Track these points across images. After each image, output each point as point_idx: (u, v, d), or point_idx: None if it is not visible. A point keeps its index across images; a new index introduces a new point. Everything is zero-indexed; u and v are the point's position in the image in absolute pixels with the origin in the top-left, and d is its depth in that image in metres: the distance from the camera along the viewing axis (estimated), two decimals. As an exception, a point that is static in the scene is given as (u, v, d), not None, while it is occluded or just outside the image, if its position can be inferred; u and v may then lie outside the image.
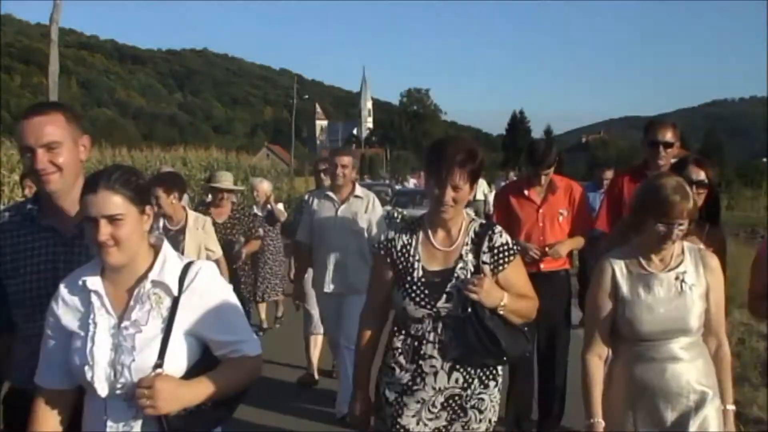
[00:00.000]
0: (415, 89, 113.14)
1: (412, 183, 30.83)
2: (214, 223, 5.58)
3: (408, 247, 2.51)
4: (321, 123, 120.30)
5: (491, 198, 16.25)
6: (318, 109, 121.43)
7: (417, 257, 2.49)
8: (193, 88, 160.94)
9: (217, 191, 6.01)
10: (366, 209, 4.98)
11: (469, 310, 2.40)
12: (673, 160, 3.73)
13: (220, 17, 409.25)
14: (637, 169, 4.12)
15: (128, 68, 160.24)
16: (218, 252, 5.05)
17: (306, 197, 5.87)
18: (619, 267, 2.55)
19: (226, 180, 6.15)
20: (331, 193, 5.05)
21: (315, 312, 5.56)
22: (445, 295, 2.43)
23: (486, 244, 2.49)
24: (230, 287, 2.04)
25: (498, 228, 2.55)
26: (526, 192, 4.51)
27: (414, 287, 2.46)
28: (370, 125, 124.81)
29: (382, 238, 2.58)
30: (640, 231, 2.52)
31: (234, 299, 2.01)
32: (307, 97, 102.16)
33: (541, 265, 4.35)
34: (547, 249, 4.36)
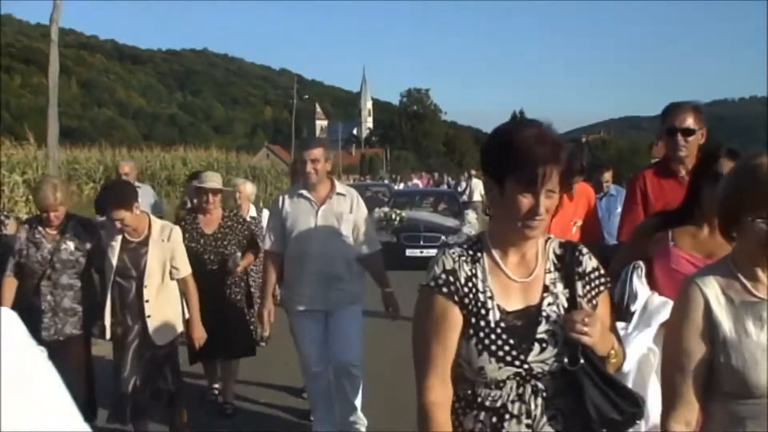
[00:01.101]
0: (415, 89, 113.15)
1: (414, 183, 30.55)
2: (203, 235, 5.10)
3: (474, 279, 1.77)
4: (321, 123, 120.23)
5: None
6: (318, 109, 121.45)
7: (488, 293, 1.76)
8: (193, 88, 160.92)
9: (203, 193, 5.15)
10: (351, 209, 4.30)
11: (582, 360, 1.70)
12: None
13: (220, 17, 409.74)
14: (660, 162, 3.61)
15: (128, 68, 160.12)
16: (184, 270, 4.29)
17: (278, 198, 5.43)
18: (714, 293, 1.77)
19: (212, 180, 5.21)
20: (306, 193, 4.28)
21: None
22: (537, 345, 1.72)
23: (576, 268, 1.81)
24: None
25: (584, 247, 1.88)
26: None
27: (493, 336, 1.72)
28: (370, 125, 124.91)
29: (436, 270, 1.76)
30: (738, 235, 1.78)
31: None
32: (307, 97, 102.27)
33: None
34: None
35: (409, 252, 12.63)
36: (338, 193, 4.30)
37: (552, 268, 1.81)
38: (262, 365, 5.96)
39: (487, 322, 1.74)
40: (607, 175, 6.82)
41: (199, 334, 4.39)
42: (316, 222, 4.24)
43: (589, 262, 1.84)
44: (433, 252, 12.74)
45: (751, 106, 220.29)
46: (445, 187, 25.80)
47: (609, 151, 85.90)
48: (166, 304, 4.22)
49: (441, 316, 1.75)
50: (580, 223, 3.87)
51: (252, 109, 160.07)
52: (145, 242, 4.19)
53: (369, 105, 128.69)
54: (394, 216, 13.46)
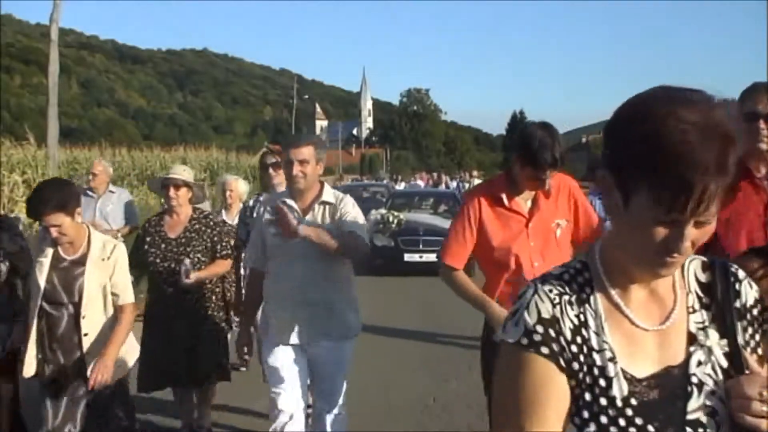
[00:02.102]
0: (415, 89, 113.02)
1: (416, 183, 29.47)
2: (165, 240, 4.23)
3: (583, 330, 1.17)
4: (321, 123, 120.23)
5: None
6: (318, 109, 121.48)
7: (608, 353, 1.15)
8: (193, 88, 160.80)
9: (167, 187, 4.25)
10: (336, 218, 3.49)
11: None
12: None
13: (220, 17, 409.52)
14: None
15: (128, 68, 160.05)
16: (124, 297, 3.47)
17: (251, 203, 4.64)
18: None
19: (176, 172, 4.31)
20: (290, 201, 3.49)
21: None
22: (690, 430, 1.13)
23: (734, 301, 1.20)
24: None
25: (738, 269, 1.25)
26: (505, 200, 3.11)
27: (621, 421, 1.12)
28: (370, 125, 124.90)
29: (528, 319, 1.15)
30: None
31: None
32: (307, 97, 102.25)
33: None
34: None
35: (407, 257, 12.00)
36: (323, 202, 3.48)
37: (697, 305, 1.21)
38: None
39: (611, 399, 1.13)
40: None
41: (102, 377, 3.29)
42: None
43: (750, 292, 1.22)
44: (433, 257, 11.64)
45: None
46: (443, 187, 24.90)
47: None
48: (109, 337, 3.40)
49: (540, 388, 1.12)
50: (565, 224, 3.12)
51: (252, 109, 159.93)
52: (81, 261, 3.38)
53: (369, 105, 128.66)
54: (391, 218, 12.54)
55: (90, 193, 6.75)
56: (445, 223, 12.19)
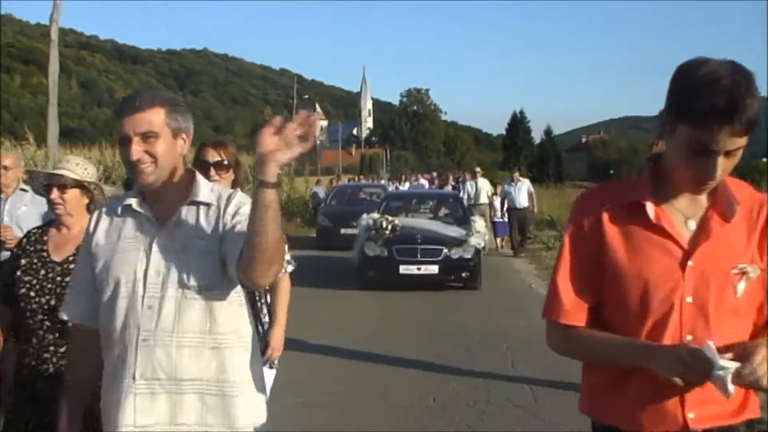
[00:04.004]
0: (415, 89, 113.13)
1: (419, 183, 27.23)
2: (47, 265, 2.78)
3: None
4: (321, 123, 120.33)
5: (497, 202, 15.10)
6: (318, 109, 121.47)
7: None
8: (192, 88, 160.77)
9: (49, 188, 2.84)
10: (218, 225, 2.12)
11: None
12: None
13: (220, 17, 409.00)
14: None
15: (128, 68, 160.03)
16: None
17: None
18: None
19: (63, 167, 2.89)
20: (136, 203, 2.09)
21: None
22: None
23: None
24: None
25: None
26: (650, 211, 1.70)
27: None
28: (370, 125, 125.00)
29: None
30: None
31: None
32: (307, 97, 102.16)
33: (690, 415, 1.66)
34: (722, 364, 1.53)
35: (403, 269, 10.27)
36: (194, 203, 2.05)
37: None
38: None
39: None
40: None
41: None
42: (147, 262, 1.99)
43: None
44: (433, 269, 10.49)
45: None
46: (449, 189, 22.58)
47: (609, 151, 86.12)
48: None
49: None
50: (756, 273, 1.69)
51: (252, 109, 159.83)
52: None
53: (369, 105, 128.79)
54: (385, 224, 10.75)
55: None
56: (447, 230, 10.82)
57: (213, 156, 3.17)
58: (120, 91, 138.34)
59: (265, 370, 2.54)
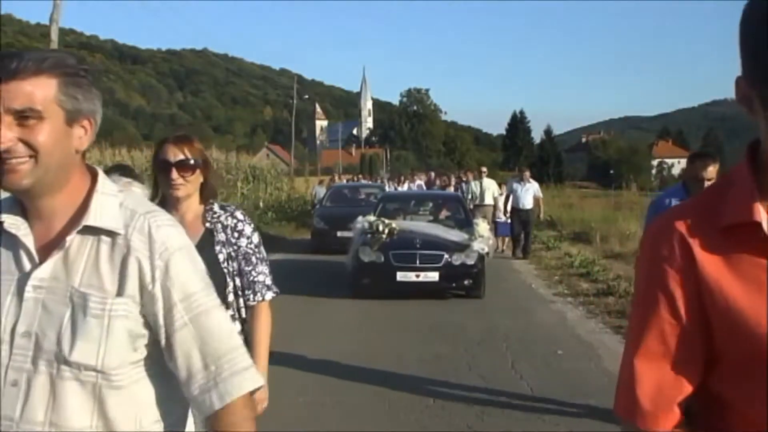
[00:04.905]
0: (415, 89, 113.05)
1: (417, 184, 26.80)
2: None
3: None
4: (321, 123, 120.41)
5: (500, 202, 14.75)
6: (318, 109, 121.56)
7: None
8: (193, 88, 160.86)
9: None
10: (125, 269, 1.29)
11: None
12: None
13: (220, 17, 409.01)
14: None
15: (128, 68, 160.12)
16: None
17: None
18: None
19: None
20: (10, 222, 1.35)
21: None
22: None
23: None
24: None
25: None
26: (765, 223, 0.99)
27: None
28: (370, 125, 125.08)
29: None
30: None
31: None
32: (307, 97, 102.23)
33: None
34: None
35: (400, 276, 9.51)
36: (88, 229, 1.27)
37: None
38: None
39: None
40: (712, 170, 4.05)
41: None
42: (17, 315, 1.25)
43: None
44: (432, 276, 9.93)
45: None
46: (434, 188, 21.31)
47: (609, 151, 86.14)
48: None
49: None
50: None
51: (252, 109, 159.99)
52: None
53: (369, 105, 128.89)
54: (381, 227, 10.01)
55: None
56: (449, 234, 10.15)
57: (175, 154, 2.49)
58: (120, 91, 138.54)
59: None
